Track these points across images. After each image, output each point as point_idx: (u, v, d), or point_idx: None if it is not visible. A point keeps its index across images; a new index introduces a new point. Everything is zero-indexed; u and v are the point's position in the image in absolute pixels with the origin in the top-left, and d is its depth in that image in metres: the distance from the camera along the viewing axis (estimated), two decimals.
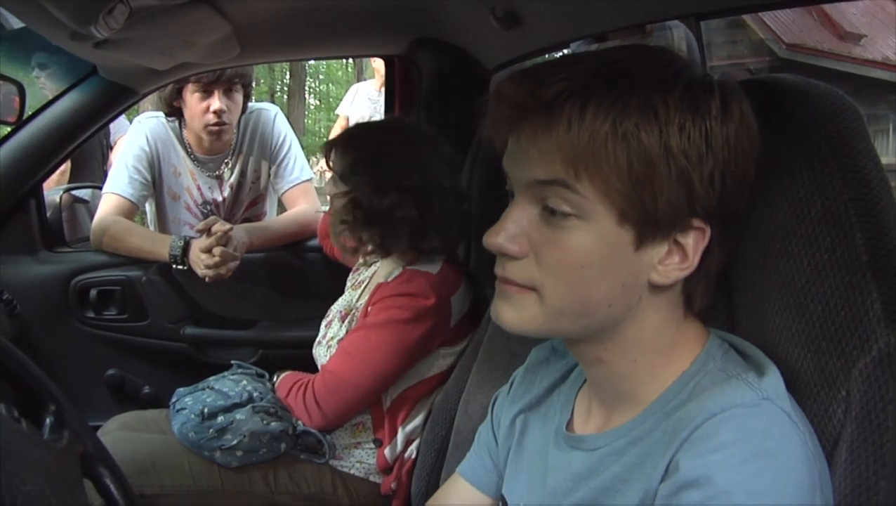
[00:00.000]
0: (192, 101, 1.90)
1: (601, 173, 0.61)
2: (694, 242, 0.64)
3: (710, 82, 0.64)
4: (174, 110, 1.95)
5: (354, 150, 1.36)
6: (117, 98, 1.77)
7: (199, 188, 2.03)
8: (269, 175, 2.06)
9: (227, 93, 1.89)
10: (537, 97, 0.63)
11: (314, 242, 1.87)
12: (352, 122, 4.06)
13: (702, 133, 0.61)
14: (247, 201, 2.10)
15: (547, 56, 1.61)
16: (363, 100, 4.08)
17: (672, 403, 0.66)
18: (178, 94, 1.91)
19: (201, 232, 1.77)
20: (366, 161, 1.34)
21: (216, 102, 1.87)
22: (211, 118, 1.89)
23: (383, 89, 3.88)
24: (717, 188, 0.62)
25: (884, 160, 0.67)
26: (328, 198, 1.42)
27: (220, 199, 2.04)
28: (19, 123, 1.70)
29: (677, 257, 0.65)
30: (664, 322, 0.68)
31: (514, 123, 0.66)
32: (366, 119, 3.97)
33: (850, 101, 0.68)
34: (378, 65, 3.93)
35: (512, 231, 0.66)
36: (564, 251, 0.64)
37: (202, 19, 1.23)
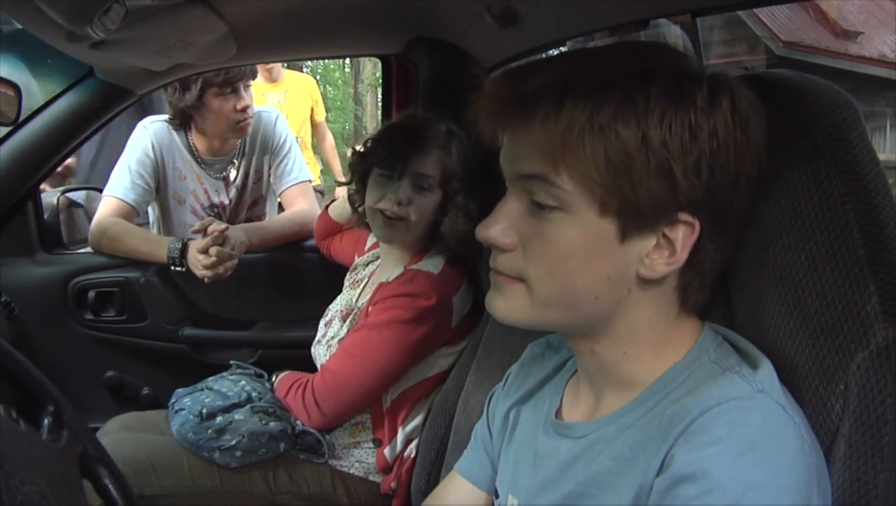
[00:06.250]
0: (218, 103, 1.90)
1: (579, 165, 0.62)
2: (683, 237, 0.64)
3: (699, 74, 0.63)
4: (185, 119, 1.96)
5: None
6: (114, 99, 1.77)
7: (205, 191, 2.03)
8: (269, 176, 2.07)
9: (246, 89, 1.93)
10: (517, 93, 0.65)
11: (312, 243, 1.87)
12: None
13: (685, 124, 0.61)
14: (248, 203, 2.10)
15: (544, 55, 1.61)
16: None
17: (665, 392, 0.66)
18: (200, 101, 1.90)
19: (198, 233, 1.77)
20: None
21: (242, 100, 1.90)
22: (240, 116, 1.91)
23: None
24: (703, 179, 0.62)
25: (881, 157, 0.67)
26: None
27: (226, 201, 2.05)
28: (16, 125, 1.70)
29: (666, 252, 0.65)
30: (656, 317, 0.68)
31: (499, 119, 0.67)
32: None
33: (847, 97, 0.68)
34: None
35: (502, 224, 0.68)
36: (549, 243, 0.65)
37: (198, 19, 1.23)
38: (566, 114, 0.62)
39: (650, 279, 0.66)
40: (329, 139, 3.90)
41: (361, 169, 1.44)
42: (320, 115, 3.76)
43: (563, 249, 0.65)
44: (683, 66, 0.64)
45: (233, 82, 1.87)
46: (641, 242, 0.64)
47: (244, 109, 1.91)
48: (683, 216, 0.63)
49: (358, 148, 1.46)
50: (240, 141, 2.02)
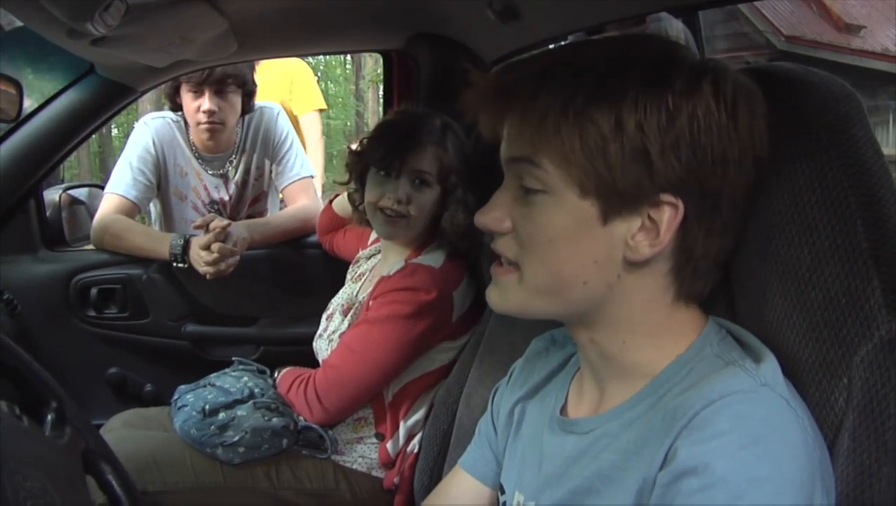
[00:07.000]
0: (187, 99, 1.92)
1: (556, 149, 0.64)
2: (668, 219, 0.65)
3: (681, 61, 0.64)
4: (178, 105, 1.96)
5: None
6: (116, 96, 1.76)
7: (205, 188, 2.03)
8: (270, 172, 2.07)
9: (220, 93, 1.90)
10: (498, 85, 0.68)
11: (314, 239, 1.87)
12: None
13: (661, 107, 0.62)
14: (250, 199, 2.10)
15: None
16: None
17: (667, 386, 0.66)
18: (177, 91, 1.93)
19: (200, 229, 1.77)
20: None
21: (206, 103, 1.89)
22: (202, 117, 1.91)
23: None
24: (683, 161, 0.63)
25: (884, 151, 0.67)
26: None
27: (226, 197, 2.05)
28: (17, 123, 1.70)
29: (651, 233, 0.65)
30: (651, 305, 0.69)
31: (486, 111, 0.70)
32: None
33: (850, 89, 0.68)
34: None
35: (497, 211, 0.71)
36: (535, 225, 0.68)
37: (199, 16, 1.23)
38: (541, 102, 0.64)
39: (636, 262, 0.66)
40: (310, 137, 2.92)
41: (359, 168, 1.44)
42: (303, 107, 2.95)
43: (547, 230, 0.67)
44: (665, 54, 0.65)
45: (197, 82, 1.87)
46: (625, 225, 0.65)
47: (207, 113, 1.90)
48: (666, 197, 0.64)
49: (354, 147, 1.46)
50: (239, 137, 2.02)
